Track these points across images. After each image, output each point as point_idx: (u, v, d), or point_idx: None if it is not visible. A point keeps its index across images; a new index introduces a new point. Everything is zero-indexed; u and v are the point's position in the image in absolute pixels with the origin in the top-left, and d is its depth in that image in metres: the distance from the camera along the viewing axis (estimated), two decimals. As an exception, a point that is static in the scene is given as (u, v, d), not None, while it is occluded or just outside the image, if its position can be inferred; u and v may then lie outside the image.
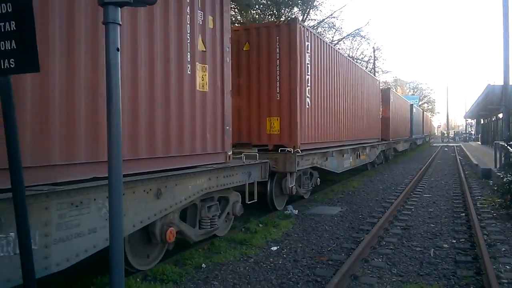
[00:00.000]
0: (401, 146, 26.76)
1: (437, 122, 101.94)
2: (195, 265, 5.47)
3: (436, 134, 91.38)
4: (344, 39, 35.09)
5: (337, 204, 10.34)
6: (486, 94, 20.94)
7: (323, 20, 31.87)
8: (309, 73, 9.58)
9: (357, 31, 35.92)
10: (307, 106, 9.48)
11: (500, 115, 20.77)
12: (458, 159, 25.30)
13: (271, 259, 5.79)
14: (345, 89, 12.97)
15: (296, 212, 9.08)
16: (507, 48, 13.42)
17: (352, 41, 40.67)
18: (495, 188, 9.41)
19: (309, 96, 9.56)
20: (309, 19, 31.00)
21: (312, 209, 9.60)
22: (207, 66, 5.85)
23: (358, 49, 41.98)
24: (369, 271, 5.30)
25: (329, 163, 11.13)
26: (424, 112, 52.10)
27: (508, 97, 13.37)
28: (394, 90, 28.17)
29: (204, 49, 5.79)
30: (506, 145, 10.11)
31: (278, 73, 8.93)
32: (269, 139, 9.04)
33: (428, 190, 12.80)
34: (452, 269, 5.36)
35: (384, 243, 6.63)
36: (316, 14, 31.35)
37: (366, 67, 46.40)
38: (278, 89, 8.95)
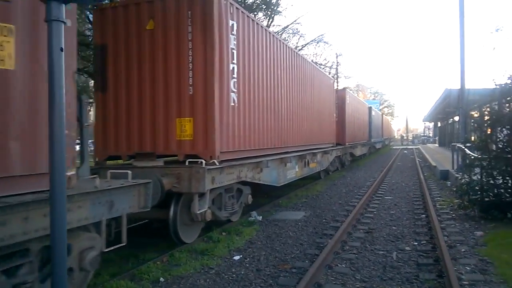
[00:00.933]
0: (358, 151, 25.25)
1: (397, 125, 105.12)
2: (153, 279, 5.19)
3: (396, 137, 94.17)
4: (308, 44, 35.47)
5: (301, 208, 10.27)
6: (444, 97, 21.71)
7: (288, 26, 32.18)
8: (234, 61, 7.52)
9: (320, 37, 36.42)
10: (232, 104, 7.47)
11: (457, 118, 21.58)
12: (417, 161, 26.05)
13: (233, 269, 5.59)
14: (290, 86, 11.05)
15: (260, 218, 8.92)
16: (463, 54, 13.90)
17: (316, 47, 41.41)
18: (454, 189, 9.63)
19: (235, 91, 7.55)
20: (273, 25, 31.22)
21: (276, 215, 9.47)
22: (13, 27, 3.51)
23: (321, 55, 42.79)
24: (333, 278, 5.20)
25: (266, 175, 9.04)
26: (384, 116, 52.02)
27: (464, 100, 13.81)
28: (350, 91, 26.29)
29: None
30: (463, 147, 10.37)
31: (190, 60, 6.81)
32: (179, 147, 6.92)
33: (390, 192, 12.99)
34: (414, 273, 5.34)
35: (347, 247, 6.57)
36: (280, 20, 31.72)
37: (329, 73, 47.40)
38: (190, 80, 6.84)
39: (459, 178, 9.73)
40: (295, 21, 32.03)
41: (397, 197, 11.89)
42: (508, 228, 7.46)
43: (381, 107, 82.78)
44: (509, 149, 8.18)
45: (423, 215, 9.06)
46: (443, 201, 10.76)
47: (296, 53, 12.13)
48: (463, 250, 6.27)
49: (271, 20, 30.62)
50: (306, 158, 12.55)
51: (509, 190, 8.24)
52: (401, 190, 13.33)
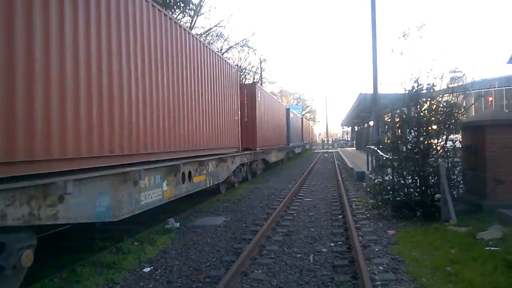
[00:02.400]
0: (273, 157, 22.20)
1: (319, 130, 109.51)
2: (47, 300, 4.56)
3: (318, 141, 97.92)
4: (232, 48, 35.48)
5: (222, 213, 9.97)
6: (358, 102, 22.72)
7: (211, 28, 31.91)
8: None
9: (244, 41, 36.62)
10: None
11: (371, 122, 22.77)
12: (336, 164, 27.04)
13: (141, 283, 5.12)
14: (152, 62, 7.41)
15: (177, 225, 8.46)
16: (376, 59, 14.59)
17: (240, 52, 41.58)
18: (368, 189, 9.96)
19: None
20: (196, 27, 30.74)
21: (196, 221, 9.08)
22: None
23: (246, 59, 43.08)
24: (248, 286, 4.96)
25: (74, 209, 5.01)
26: (305, 119, 50.42)
27: (377, 104, 14.48)
28: (262, 87, 22.15)
29: None
30: (375, 148, 10.79)
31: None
32: None
33: (309, 194, 13.18)
34: (330, 275, 5.28)
35: (265, 252, 6.38)
36: (204, 22, 31.31)
37: (254, 78, 47.89)
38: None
39: (373, 178, 10.08)
40: (218, 24, 31.93)
41: (316, 199, 12.06)
42: (417, 226, 7.79)
43: (303, 112, 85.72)
44: (417, 150, 8.59)
45: (340, 216, 9.22)
46: (358, 201, 11.10)
47: (169, 18, 8.40)
48: (376, 249, 6.37)
49: (193, 22, 30.22)
50: (183, 170, 8.45)
51: (418, 190, 8.65)
52: (320, 192, 13.59)
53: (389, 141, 9.29)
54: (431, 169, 8.42)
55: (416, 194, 8.69)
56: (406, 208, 8.66)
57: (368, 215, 9.25)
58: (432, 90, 8.47)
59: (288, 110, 29.93)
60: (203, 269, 5.65)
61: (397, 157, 9.07)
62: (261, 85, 46.54)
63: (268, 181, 17.27)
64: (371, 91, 15.54)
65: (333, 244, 6.86)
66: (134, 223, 7.94)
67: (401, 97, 9.27)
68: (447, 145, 8.91)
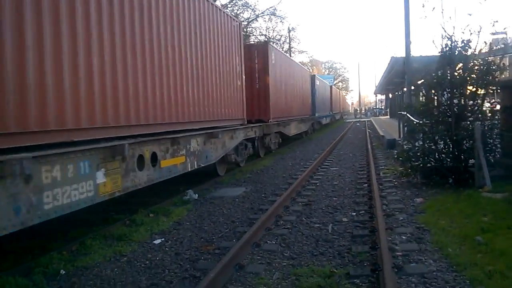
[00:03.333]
0: (293, 129, 19.40)
1: (352, 99, 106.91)
2: (52, 273, 4.44)
3: (350, 111, 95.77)
4: (258, 17, 34.50)
5: (242, 184, 9.72)
6: (391, 67, 21.53)
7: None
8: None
9: (271, 9, 35.52)
10: None
11: (405, 88, 21.63)
12: (367, 132, 26.22)
13: (149, 255, 4.94)
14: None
15: (196, 196, 8.26)
16: (408, 18, 13.63)
17: (267, 21, 40.46)
18: (396, 156, 9.41)
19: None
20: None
21: (215, 192, 8.87)
22: None
23: (274, 29, 41.94)
24: (259, 257, 4.68)
25: None
26: (334, 88, 45.39)
27: (409, 67, 13.60)
28: (277, 48, 18.50)
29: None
30: (405, 113, 10.11)
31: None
32: None
33: (336, 163, 12.71)
34: (348, 245, 4.92)
35: (282, 222, 6.07)
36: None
37: (282, 48, 46.72)
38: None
39: (402, 145, 9.50)
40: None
41: (342, 168, 11.61)
42: (448, 194, 7.26)
43: (335, 82, 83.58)
44: (450, 113, 7.92)
45: (366, 184, 8.77)
46: (387, 169, 10.57)
47: None
48: (401, 218, 5.94)
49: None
50: (140, 151, 5.99)
51: (450, 155, 8.05)
52: (347, 161, 13.09)
53: (420, 105, 8.63)
54: (465, 133, 7.77)
55: (448, 160, 8.09)
56: (437, 175, 8.08)
57: (396, 183, 8.75)
58: (467, 48, 7.70)
59: (313, 77, 27.33)
60: (215, 241, 5.41)
61: (428, 121, 8.44)
62: (290, 55, 45.57)
63: (294, 151, 16.86)
64: (403, 55, 14.61)
65: (354, 214, 6.46)
66: (152, 195, 7.82)
67: (434, 59, 8.53)
68: (483, 106, 8.19)
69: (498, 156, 8.05)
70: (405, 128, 10.91)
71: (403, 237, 5.06)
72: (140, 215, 6.71)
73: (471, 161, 7.81)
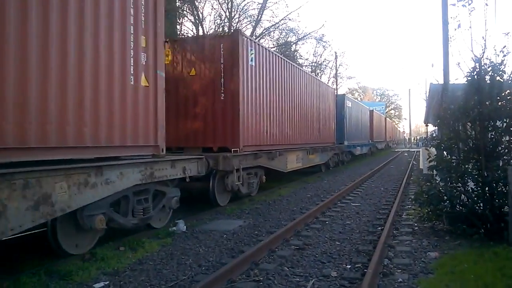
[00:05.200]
0: (291, 162, 13.75)
1: (403, 128, 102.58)
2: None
3: (403, 140, 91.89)
4: (299, 40, 33.79)
5: (243, 216, 8.81)
6: (431, 95, 19.79)
7: (280, 21, 30.56)
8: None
9: (313, 33, 34.81)
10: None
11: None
12: (411, 164, 24.42)
13: (76, 304, 4.16)
14: None
15: (184, 228, 7.47)
16: (447, 41, 12.30)
17: (316, 48, 39.76)
18: (413, 197, 8.08)
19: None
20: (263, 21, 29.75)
21: (209, 224, 8.03)
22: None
23: (321, 55, 41.13)
24: (198, 321, 3.75)
25: None
26: (376, 113, 38.19)
27: (447, 95, 12.19)
28: (261, 43, 12.79)
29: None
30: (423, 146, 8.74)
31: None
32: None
33: (361, 197, 11.47)
34: (315, 315, 3.87)
35: (255, 272, 5.07)
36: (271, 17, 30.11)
37: (330, 74, 45.64)
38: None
39: (420, 183, 8.22)
40: (286, 16, 30.51)
41: (365, 204, 10.37)
42: (472, 248, 5.94)
43: (387, 109, 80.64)
44: (481, 149, 6.63)
45: (380, 228, 7.55)
46: (413, 210, 9.23)
47: None
48: (399, 279, 4.75)
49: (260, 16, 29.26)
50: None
51: (481, 199, 6.71)
52: (375, 196, 11.79)
53: (445, 138, 7.37)
54: (497, 174, 6.44)
55: (479, 205, 6.75)
56: (464, 223, 6.74)
57: (416, 228, 7.47)
58: (501, 72, 6.45)
59: (342, 97, 23.43)
60: (163, 290, 4.55)
61: (454, 157, 7.18)
62: (337, 81, 44.43)
63: (322, 180, 15.68)
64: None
65: (349, 267, 5.34)
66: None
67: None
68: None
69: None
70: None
71: (391, 310, 3.93)
72: (107, 248, 6.00)
73: (507, 207, 6.44)
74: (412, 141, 79.91)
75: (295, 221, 7.60)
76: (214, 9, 26.68)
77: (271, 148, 11.90)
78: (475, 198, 6.75)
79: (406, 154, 42.71)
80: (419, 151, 45.12)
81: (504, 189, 6.33)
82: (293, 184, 14.33)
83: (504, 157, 6.54)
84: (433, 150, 8.30)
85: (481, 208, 6.69)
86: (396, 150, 56.22)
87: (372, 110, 33.12)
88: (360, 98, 67.19)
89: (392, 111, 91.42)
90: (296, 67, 14.87)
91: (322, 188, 13.38)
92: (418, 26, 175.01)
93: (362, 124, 29.16)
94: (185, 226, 7.55)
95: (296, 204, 10.23)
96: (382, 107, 67.28)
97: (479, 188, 6.73)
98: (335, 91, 23.48)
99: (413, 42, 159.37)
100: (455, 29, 6.68)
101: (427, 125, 60.23)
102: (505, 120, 6.36)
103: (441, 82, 13.42)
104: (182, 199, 7.83)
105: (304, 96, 15.53)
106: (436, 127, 49.56)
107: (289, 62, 14.00)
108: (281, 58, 13.28)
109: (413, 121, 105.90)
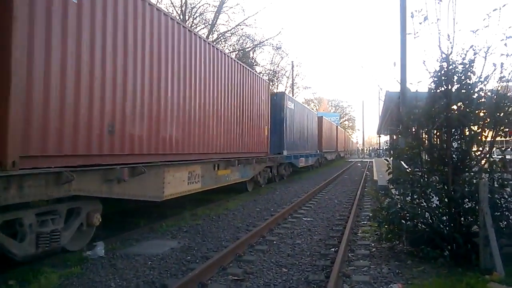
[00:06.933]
0: (141, 189, 7.38)
1: (356, 138, 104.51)
2: None
3: (356, 150, 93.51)
4: (257, 47, 33.09)
5: (180, 235, 7.57)
6: (387, 104, 19.39)
7: (236, 27, 29.68)
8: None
9: (278, 42, 34.24)
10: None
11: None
12: (365, 175, 24.03)
13: None
14: None
15: (102, 253, 6.13)
16: (405, 47, 11.78)
17: (273, 57, 39.32)
18: (370, 214, 7.23)
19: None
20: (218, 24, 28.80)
21: (136, 246, 6.74)
22: None
23: (278, 64, 40.68)
24: None
25: None
26: (326, 120, 33.74)
27: (406, 103, 11.59)
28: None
29: None
30: (383, 157, 7.94)
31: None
32: None
33: (314, 211, 10.53)
34: None
35: (175, 317, 3.90)
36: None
37: (287, 82, 45.38)
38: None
39: (380, 198, 7.37)
40: (243, 21, 29.72)
41: (318, 219, 9.43)
42: (440, 276, 5.07)
43: (341, 120, 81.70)
44: (446, 160, 5.83)
45: (333, 249, 6.58)
46: (370, 225, 8.38)
47: None
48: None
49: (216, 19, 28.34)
50: None
51: (447, 217, 5.89)
52: (328, 209, 10.90)
53: (407, 147, 6.54)
54: (467, 189, 5.65)
55: (443, 224, 5.93)
56: (428, 244, 5.89)
57: (373, 250, 6.56)
58: (469, 73, 5.69)
59: (282, 95, 18.79)
60: None
61: (417, 169, 6.36)
62: (293, 91, 44.13)
63: (274, 192, 14.67)
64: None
65: (295, 304, 4.28)
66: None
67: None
68: (492, 154, 6.09)
69: (513, 224, 5.85)
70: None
71: None
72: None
73: (475, 227, 5.67)
74: (365, 151, 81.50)
75: (237, 242, 6.48)
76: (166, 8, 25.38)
77: (122, 161, 6.66)
78: (440, 216, 5.93)
79: (359, 164, 42.86)
80: (372, 161, 45.65)
81: (473, 206, 5.54)
82: (243, 196, 13.21)
83: (474, 169, 5.76)
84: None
85: (447, 228, 5.88)
86: (349, 160, 56.68)
87: (322, 117, 30.15)
88: (316, 109, 67.51)
89: (346, 122, 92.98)
90: (192, 32, 9.53)
91: (273, 201, 12.35)
92: (374, 35, 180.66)
93: (309, 132, 25.12)
94: (103, 250, 6.22)
95: (242, 220, 9.11)
96: (337, 118, 67.86)
97: (444, 205, 5.91)
98: (270, 85, 18.08)
99: (370, 51, 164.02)
100: (420, 23, 5.84)
101: (379, 136, 61.63)
102: (474, 127, 5.59)
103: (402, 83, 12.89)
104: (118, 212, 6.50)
105: (212, 83, 10.42)
106: (388, 138, 49.97)
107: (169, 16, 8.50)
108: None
109: (366, 132, 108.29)
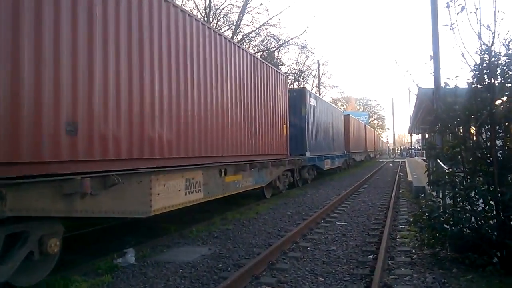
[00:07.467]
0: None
1: (387, 138, 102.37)
2: None
3: (387, 150, 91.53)
4: (281, 46, 32.78)
5: (210, 241, 7.41)
6: (420, 101, 18.66)
7: (261, 26, 29.55)
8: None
9: (303, 41, 33.92)
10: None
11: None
12: (398, 176, 23.32)
13: None
14: None
15: (133, 260, 6.04)
16: (437, 39, 11.22)
17: (299, 56, 39.00)
18: (411, 220, 6.83)
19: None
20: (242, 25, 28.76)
21: (166, 253, 6.62)
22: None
23: (304, 64, 40.31)
24: None
25: None
26: (353, 118, 31.96)
27: (440, 99, 11.06)
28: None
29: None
30: (418, 158, 7.53)
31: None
32: None
33: (347, 215, 10.18)
34: None
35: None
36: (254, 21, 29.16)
37: (313, 82, 44.93)
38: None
39: (421, 203, 6.97)
40: (267, 21, 29.52)
41: (352, 223, 9.07)
42: (490, 285, 4.68)
43: (370, 120, 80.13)
44: (492, 160, 5.42)
45: (371, 256, 6.25)
46: (408, 231, 7.97)
47: None
48: None
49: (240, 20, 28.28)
50: None
51: (494, 221, 5.47)
52: (362, 213, 10.51)
53: (447, 146, 6.15)
54: (515, 190, 5.22)
55: (491, 228, 5.51)
56: (474, 251, 5.49)
57: (415, 257, 6.17)
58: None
59: (302, 90, 17.48)
60: None
61: (459, 169, 5.96)
62: (319, 90, 43.53)
63: (305, 194, 14.36)
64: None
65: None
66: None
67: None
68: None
69: None
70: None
71: None
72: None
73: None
74: (396, 151, 79.57)
75: (270, 248, 6.25)
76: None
77: (90, 169, 5.21)
78: (487, 220, 5.51)
79: (391, 164, 41.82)
80: (405, 161, 44.48)
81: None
82: (274, 199, 12.97)
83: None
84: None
85: (495, 233, 5.45)
86: (380, 160, 55.44)
87: (348, 115, 28.64)
88: (344, 108, 66.54)
89: (375, 121, 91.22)
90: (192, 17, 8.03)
91: (304, 204, 12.06)
92: (403, 32, 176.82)
93: (334, 131, 23.40)
94: (133, 257, 6.13)
95: (274, 225, 8.87)
96: (365, 117, 66.58)
97: (490, 208, 5.49)
98: (287, 79, 16.02)
99: (399, 48, 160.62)
100: (457, 14, 5.46)
101: (411, 135, 60.09)
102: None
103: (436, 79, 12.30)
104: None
105: (219, 72, 8.98)
106: (420, 137, 48.06)
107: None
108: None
109: (396, 131, 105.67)
